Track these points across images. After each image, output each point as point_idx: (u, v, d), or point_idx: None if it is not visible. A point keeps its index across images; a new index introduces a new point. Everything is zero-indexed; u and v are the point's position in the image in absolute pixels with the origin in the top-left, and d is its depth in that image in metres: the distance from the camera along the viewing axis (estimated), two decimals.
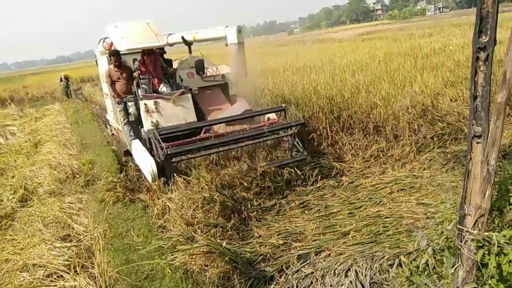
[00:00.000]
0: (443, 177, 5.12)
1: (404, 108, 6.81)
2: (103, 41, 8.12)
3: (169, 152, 5.26)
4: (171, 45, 7.63)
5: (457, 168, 5.33)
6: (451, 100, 7.61)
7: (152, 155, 5.79)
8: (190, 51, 8.04)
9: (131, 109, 6.69)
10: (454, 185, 4.71)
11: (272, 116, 6.78)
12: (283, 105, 6.44)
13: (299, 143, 5.94)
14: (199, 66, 7.58)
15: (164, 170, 5.43)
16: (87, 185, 6.55)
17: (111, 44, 7.73)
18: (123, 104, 6.93)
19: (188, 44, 7.91)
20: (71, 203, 5.72)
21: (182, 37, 7.79)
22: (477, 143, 2.03)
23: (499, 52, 8.29)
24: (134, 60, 7.68)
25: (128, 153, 7.24)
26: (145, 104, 6.46)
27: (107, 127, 10.32)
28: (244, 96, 7.62)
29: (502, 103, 1.92)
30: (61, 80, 20.93)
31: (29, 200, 6.08)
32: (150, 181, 5.13)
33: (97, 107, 17.30)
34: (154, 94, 6.73)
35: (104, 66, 7.66)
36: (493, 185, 2.08)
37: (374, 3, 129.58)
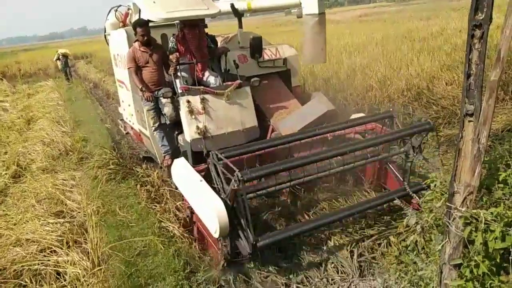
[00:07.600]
0: (436, 160, 5.16)
1: (399, 90, 6.82)
2: (116, 10, 6.41)
3: (240, 187, 3.01)
4: (213, 16, 5.43)
5: (450, 151, 5.37)
6: (446, 84, 7.60)
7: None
8: (240, 25, 5.96)
9: (167, 109, 4.69)
10: (447, 168, 4.75)
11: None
12: (390, 109, 4.42)
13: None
14: (257, 47, 5.46)
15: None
16: (80, 162, 6.53)
17: (126, 14, 6.13)
18: (154, 101, 4.94)
19: (239, 15, 5.84)
20: (64, 180, 5.72)
21: (232, 5, 5.69)
22: (469, 121, 2.04)
23: (496, 36, 8.25)
24: (163, 36, 5.78)
25: (149, 159, 5.89)
26: (188, 102, 4.54)
27: (120, 125, 7.91)
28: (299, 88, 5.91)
29: (495, 81, 1.92)
30: (58, 59, 17.21)
31: (22, 176, 6.07)
32: (215, 235, 3.15)
33: (91, 85, 17.14)
34: (201, 87, 4.71)
35: (117, 43, 5.91)
36: (483, 163, 2.10)
37: None
